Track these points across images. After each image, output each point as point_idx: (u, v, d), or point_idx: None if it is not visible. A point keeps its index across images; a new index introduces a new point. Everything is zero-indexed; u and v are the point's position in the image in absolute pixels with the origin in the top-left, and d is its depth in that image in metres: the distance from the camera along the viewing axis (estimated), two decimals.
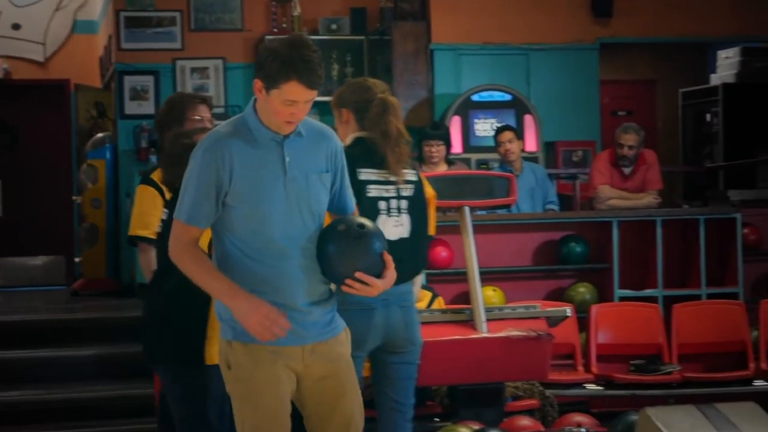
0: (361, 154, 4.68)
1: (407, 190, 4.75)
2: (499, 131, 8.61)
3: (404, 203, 4.74)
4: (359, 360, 4.53)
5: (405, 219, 4.72)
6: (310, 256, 3.85)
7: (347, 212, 4.01)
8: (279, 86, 3.74)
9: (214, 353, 4.69)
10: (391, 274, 3.87)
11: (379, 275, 3.83)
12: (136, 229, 5.32)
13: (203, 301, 4.67)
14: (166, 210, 4.82)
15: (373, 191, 4.69)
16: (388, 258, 3.84)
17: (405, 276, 4.56)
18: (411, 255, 4.71)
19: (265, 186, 3.81)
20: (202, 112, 5.55)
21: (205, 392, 4.68)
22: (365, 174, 4.68)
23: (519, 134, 8.69)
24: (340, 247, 3.80)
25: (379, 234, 3.87)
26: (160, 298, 4.76)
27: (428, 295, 6.28)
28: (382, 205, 4.70)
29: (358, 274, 3.78)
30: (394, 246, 4.33)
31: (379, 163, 4.71)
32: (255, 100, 3.87)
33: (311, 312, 3.87)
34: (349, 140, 4.75)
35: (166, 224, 4.73)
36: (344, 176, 4.00)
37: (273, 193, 3.82)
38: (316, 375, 3.91)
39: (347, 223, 3.85)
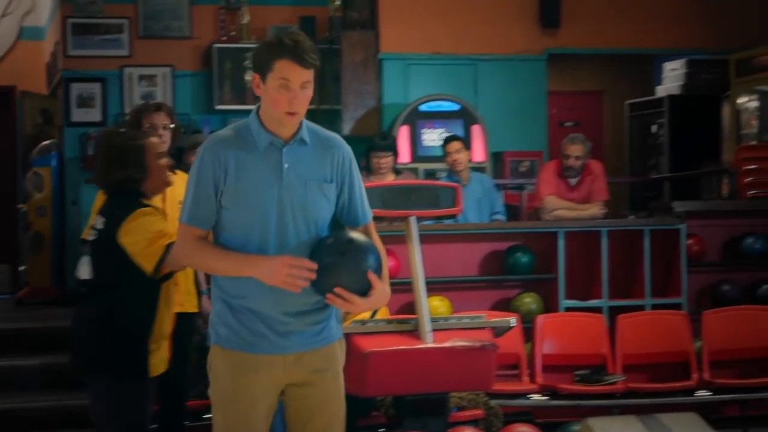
0: None
1: None
2: (447, 141, 8.64)
3: None
4: None
5: None
6: None
7: (358, 224, 3.96)
8: (272, 68, 3.75)
9: (154, 365, 4.66)
10: (378, 294, 3.81)
11: (364, 293, 3.78)
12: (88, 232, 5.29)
13: (147, 312, 4.64)
14: (101, 217, 4.73)
15: None
16: (373, 277, 3.78)
17: None
18: None
19: (259, 191, 3.80)
20: (156, 119, 5.59)
21: (145, 406, 4.65)
22: None
23: (467, 144, 8.71)
24: (325, 260, 3.75)
25: (368, 251, 3.80)
26: (98, 307, 4.68)
27: None
28: None
29: (337, 290, 3.74)
30: None
31: None
32: (258, 106, 3.87)
33: (291, 322, 3.84)
34: None
35: (101, 233, 4.67)
36: (354, 187, 3.95)
37: (266, 198, 3.80)
38: (298, 382, 3.90)
39: (337, 237, 3.81)
